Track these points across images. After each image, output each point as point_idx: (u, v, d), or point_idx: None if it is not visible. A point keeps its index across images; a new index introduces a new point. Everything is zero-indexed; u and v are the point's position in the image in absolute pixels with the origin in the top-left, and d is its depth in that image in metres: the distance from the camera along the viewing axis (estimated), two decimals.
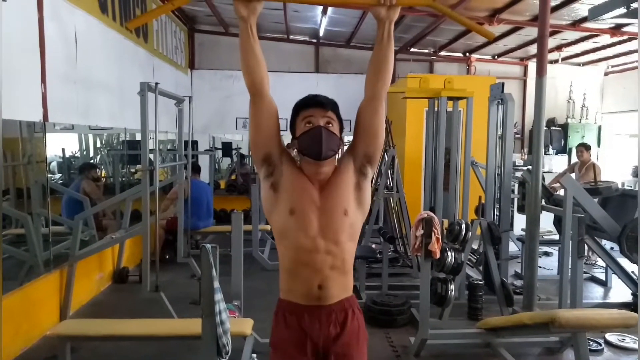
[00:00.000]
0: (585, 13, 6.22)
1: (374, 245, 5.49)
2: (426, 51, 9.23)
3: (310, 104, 1.75)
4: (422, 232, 3.25)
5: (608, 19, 6.04)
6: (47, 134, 3.83)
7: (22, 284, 3.54)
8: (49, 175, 4.43)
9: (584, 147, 6.52)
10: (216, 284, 2.33)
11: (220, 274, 2.45)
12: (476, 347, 3.49)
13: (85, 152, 6.33)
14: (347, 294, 1.75)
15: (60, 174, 5.80)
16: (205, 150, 8.15)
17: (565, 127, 9.12)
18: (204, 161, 7.45)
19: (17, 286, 3.46)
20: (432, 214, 3.40)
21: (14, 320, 3.31)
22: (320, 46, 9.16)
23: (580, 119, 9.22)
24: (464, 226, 4.02)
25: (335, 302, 1.71)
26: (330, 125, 1.72)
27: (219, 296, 2.33)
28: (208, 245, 2.34)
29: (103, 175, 6.29)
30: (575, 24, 6.81)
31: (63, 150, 5.77)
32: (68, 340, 2.96)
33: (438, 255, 3.31)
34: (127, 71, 5.44)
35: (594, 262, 5.89)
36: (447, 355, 3.44)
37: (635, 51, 7.86)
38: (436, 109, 4.95)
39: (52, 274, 3.87)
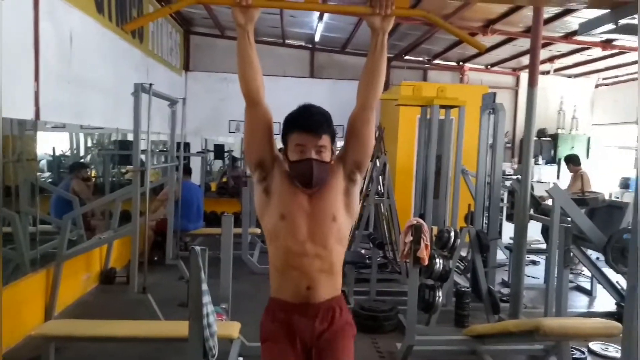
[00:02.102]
0: (577, 26, 6.32)
1: (363, 251, 5.51)
2: (420, 59, 9.31)
3: (304, 126, 1.72)
4: (411, 238, 3.27)
5: (599, 33, 6.13)
6: (38, 132, 3.82)
7: (7, 283, 3.51)
8: (38, 174, 4.40)
9: (572, 162, 6.55)
10: (204, 287, 2.33)
11: (209, 277, 2.46)
12: (462, 354, 3.51)
13: (75, 151, 6.28)
14: (336, 293, 1.81)
15: (49, 173, 5.76)
16: (197, 152, 8.15)
17: (555, 138, 9.23)
18: (195, 163, 7.43)
19: (1, 285, 3.43)
20: (421, 220, 3.42)
21: None
22: (316, 51, 9.20)
23: (570, 130, 9.33)
24: (452, 233, 4.05)
25: (322, 300, 1.76)
26: (322, 152, 1.72)
27: (207, 299, 2.33)
28: (197, 248, 2.33)
29: (93, 174, 6.25)
30: (567, 37, 6.90)
31: (53, 148, 5.73)
32: (52, 341, 2.94)
33: (426, 262, 3.34)
34: (122, 72, 5.42)
35: (579, 271, 5.95)
36: None
37: (626, 64, 7.96)
38: (428, 116, 4.98)
39: (38, 273, 3.84)
